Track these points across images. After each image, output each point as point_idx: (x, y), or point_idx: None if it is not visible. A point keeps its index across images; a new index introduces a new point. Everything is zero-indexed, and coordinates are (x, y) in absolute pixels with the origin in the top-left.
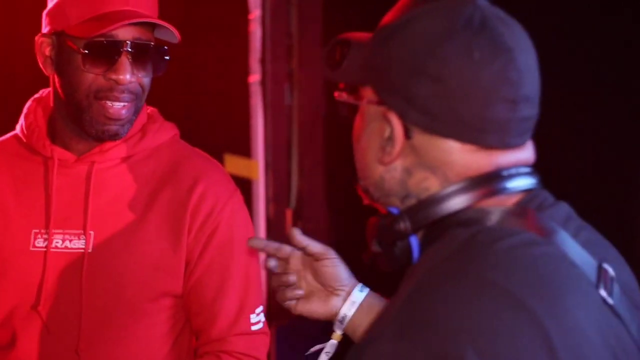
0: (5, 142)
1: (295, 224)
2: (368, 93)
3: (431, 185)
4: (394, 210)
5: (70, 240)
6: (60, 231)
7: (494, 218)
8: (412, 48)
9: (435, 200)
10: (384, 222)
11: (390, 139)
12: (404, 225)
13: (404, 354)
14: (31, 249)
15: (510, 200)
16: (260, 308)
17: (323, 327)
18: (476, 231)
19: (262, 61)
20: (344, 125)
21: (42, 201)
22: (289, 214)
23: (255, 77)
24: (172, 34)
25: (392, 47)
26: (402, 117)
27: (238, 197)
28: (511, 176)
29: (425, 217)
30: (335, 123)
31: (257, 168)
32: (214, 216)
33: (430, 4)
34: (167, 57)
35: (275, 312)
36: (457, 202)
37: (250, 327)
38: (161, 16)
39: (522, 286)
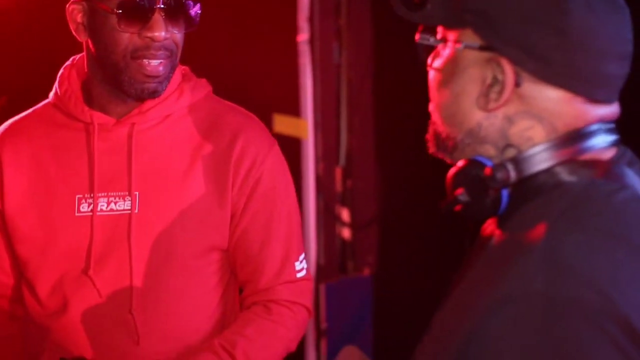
0: (41, 110)
1: (344, 182)
2: (465, 37)
3: (535, 134)
4: (484, 160)
5: (116, 203)
6: (105, 194)
7: (598, 172)
8: None
9: (545, 149)
10: (476, 170)
11: (497, 84)
12: (503, 174)
13: (559, 299)
14: (77, 214)
15: (606, 154)
16: (303, 255)
17: (369, 286)
18: (587, 185)
19: (310, 19)
20: (393, 82)
21: (85, 166)
22: (338, 172)
23: (303, 36)
24: None
25: None
26: (517, 63)
27: (276, 149)
28: (609, 130)
29: (532, 166)
30: (383, 80)
31: (306, 127)
32: (255, 169)
33: None
34: (198, 12)
35: (325, 270)
36: (565, 153)
37: (295, 275)
38: None
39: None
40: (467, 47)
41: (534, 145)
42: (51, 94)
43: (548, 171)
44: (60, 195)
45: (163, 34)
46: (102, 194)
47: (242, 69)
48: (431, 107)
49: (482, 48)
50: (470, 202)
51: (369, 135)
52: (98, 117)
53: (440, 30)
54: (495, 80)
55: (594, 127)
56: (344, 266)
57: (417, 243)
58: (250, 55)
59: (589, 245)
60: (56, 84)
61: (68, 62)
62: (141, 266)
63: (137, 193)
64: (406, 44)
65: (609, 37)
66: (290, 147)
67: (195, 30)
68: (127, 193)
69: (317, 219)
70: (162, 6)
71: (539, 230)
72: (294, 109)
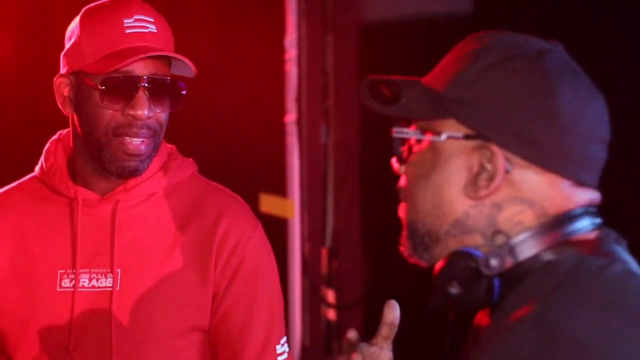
0: (26, 184)
1: (330, 263)
2: (446, 127)
3: (526, 218)
4: (472, 251)
5: (98, 279)
6: (87, 270)
7: (587, 250)
8: (524, 84)
9: (535, 234)
10: (466, 261)
11: (484, 172)
12: (498, 262)
13: None
14: (58, 289)
15: (591, 236)
16: (285, 338)
17: None
18: (577, 261)
19: (298, 100)
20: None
21: (67, 241)
22: (324, 253)
23: (291, 116)
24: (189, 69)
25: (497, 81)
26: (507, 149)
27: (260, 230)
28: (593, 213)
29: (524, 251)
30: (370, 161)
31: (292, 207)
32: (239, 250)
33: (509, 49)
34: (183, 92)
35: (310, 351)
36: (554, 237)
37: (276, 358)
38: (195, 54)
39: None
40: (449, 137)
41: (525, 229)
42: (37, 168)
43: (537, 255)
44: (42, 269)
45: (146, 112)
46: (84, 270)
47: (230, 148)
48: (403, 206)
49: (467, 137)
50: (462, 294)
51: (355, 216)
52: (82, 192)
53: (416, 122)
54: (482, 168)
55: (580, 210)
56: (329, 347)
57: (402, 326)
58: (238, 135)
59: (582, 314)
60: (42, 158)
61: (55, 137)
62: (122, 344)
63: (119, 270)
64: (392, 125)
65: (593, 121)
66: (277, 227)
67: (182, 108)
68: (109, 270)
69: (302, 300)
70: (146, 85)
71: (530, 305)
72: (281, 189)
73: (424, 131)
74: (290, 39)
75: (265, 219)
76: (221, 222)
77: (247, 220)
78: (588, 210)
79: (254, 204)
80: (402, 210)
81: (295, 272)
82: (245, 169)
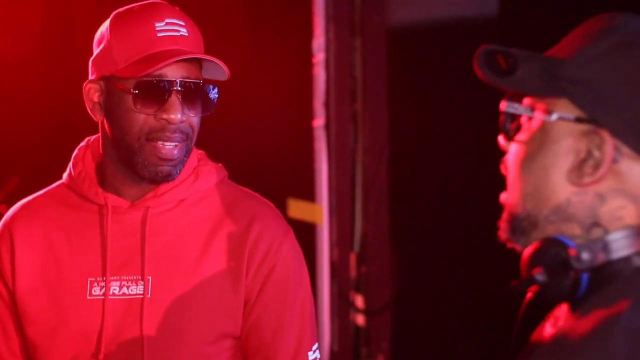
0: (54, 191)
1: (359, 268)
2: (559, 107)
3: (627, 214)
4: (566, 240)
5: (128, 287)
6: (117, 278)
7: None
8: (637, 69)
9: (632, 234)
10: (557, 250)
11: (591, 159)
12: (590, 256)
13: None
14: (88, 297)
15: None
16: (316, 345)
17: None
18: None
19: (326, 104)
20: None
21: (97, 249)
22: (352, 258)
23: (319, 121)
24: (222, 72)
25: (617, 66)
26: (618, 137)
27: (291, 236)
28: None
29: (618, 249)
30: (399, 165)
31: (321, 212)
32: (270, 256)
33: (635, 34)
34: (216, 96)
35: (339, 357)
36: None
37: None
38: (224, 59)
39: None
40: (560, 118)
41: (624, 226)
42: (65, 175)
43: (630, 257)
44: (71, 277)
45: (179, 116)
46: (115, 278)
47: (258, 153)
48: (509, 186)
49: (578, 119)
50: (548, 283)
51: (383, 221)
52: (112, 199)
53: (527, 98)
54: (589, 154)
55: None
56: (357, 353)
57: (431, 331)
58: (266, 139)
59: None
60: (70, 165)
61: (83, 143)
62: (153, 352)
63: (150, 277)
64: (421, 128)
65: None
66: (305, 232)
67: (212, 114)
68: (139, 277)
69: (331, 305)
70: (179, 88)
71: (621, 306)
72: (309, 194)
73: (535, 109)
74: (318, 43)
75: (293, 224)
76: (252, 228)
77: (279, 227)
78: None
79: (282, 209)
80: (505, 192)
81: (324, 277)
82: (273, 173)
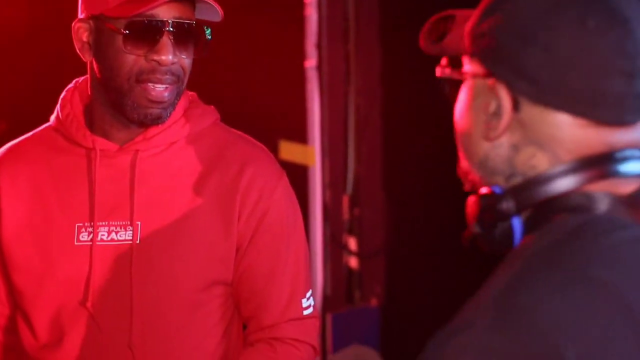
0: (41, 134)
1: (352, 211)
2: (475, 66)
3: (539, 162)
4: (497, 190)
5: (117, 232)
6: (105, 223)
7: (603, 206)
8: (522, 16)
9: (542, 179)
10: (485, 201)
11: (497, 113)
12: (506, 205)
13: (495, 348)
14: (76, 243)
15: (624, 188)
16: (310, 292)
17: (376, 317)
18: (583, 221)
19: (318, 45)
20: (402, 109)
21: (85, 194)
22: (345, 200)
23: (311, 62)
24: (215, 12)
25: (500, 16)
26: (510, 87)
27: (285, 180)
28: (626, 158)
29: (530, 197)
30: (392, 107)
31: (313, 154)
32: (263, 200)
33: None
34: (209, 37)
35: (332, 300)
36: (566, 183)
37: (301, 312)
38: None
39: (623, 281)
40: (475, 76)
41: (537, 174)
42: (52, 117)
43: (549, 202)
44: (59, 223)
45: (170, 57)
46: (103, 223)
47: (249, 94)
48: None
49: (485, 75)
50: (482, 233)
51: (376, 163)
52: (100, 142)
53: (463, 63)
54: (496, 108)
55: (620, 153)
56: (350, 296)
57: (424, 273)
58: (257, 81)
59: (549, 290)
60: (58, 107)
61: (71, 85)
62: (142, 299)
63: (139, 223)
64: (414, 70)
65: (606, 52)
66: (297, 175)
67: (203, 55)
68: (128, 222)
69: (323, 248)
70: (171, 29)
71: (514, 264)
72: (301, 136)
73: (461, 71)
74: None
75: (285, 167)
76: (245, 171)
77: (272, 170)
78: (623, 154)
79: (273, 152)
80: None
81: (317, 220)
82: (265, 115)
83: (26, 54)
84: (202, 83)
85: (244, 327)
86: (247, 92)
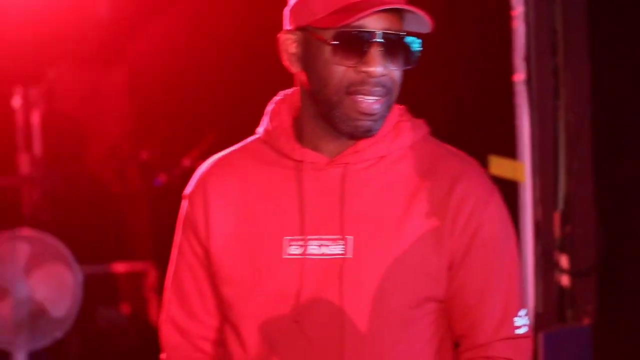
0: (249, 146)
1: (563, 227)
2: None
3: None
4: None
5: (327, 246)
6: (316, 237)
7: None
8: None
9: None
10: None
11: None
12: None
13: None
14: (285, 256)
15: None
16: (524, 311)
17: (589, 337)
18: None
19: (527, 58)
20: (614, 122)
21: (294, 207)
22: (556, 217)
23: (519, 75)
24: (423, 24)
25: None
26: None
27: (497, 196)
28: None
29: None
30: (603, 120)
31: (523, 170)
32: (475, 216)
33: None
34: (418, 48)
35: (543, 318)
36: None
37: (514, 331)
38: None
39: None
40: None
41: None
42: (260, 129)
43: None
44: (267, 235)
45: (380, 69)
46: (313, 237)
47: (457, 108)
48: None
49: None
50: None
51: (588, 179)
52: (310, 155)
53: None
54: None
55: None
56: (562, 315)
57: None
58: (465, 94)
59: None
60: (266, 119)
61: (278, 97)
62: (352, 314)
63: (350, 237)
64: (627, 83)
65: None
66: (507, 191)
67: (411, 68)
68: (339, 236)
69: (535, 265)
70: (380, 40)
71: None
72: (510, 151)
73: None
74: None
75: (495, 182)
76: (456, 187)
77: (484, 186)
78: None
79: (483, 167)
80: None
81: (527, 237)
82: (473, 129)
83: (233, 66)
84: (411, 96)
85: (456, 345)
86: (455, 106)
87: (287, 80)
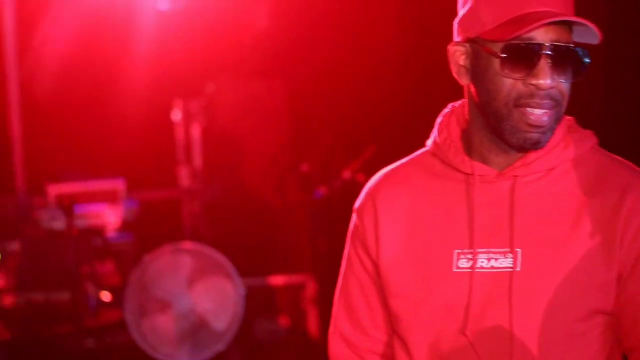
0: (418, 158)
1: None
2: None
3: None
4: None
5: (496, 259)
6: (485, 250)
7: None
8: None
9: None
10: None
11: None
12: None
13: None
14: (454, 269)
15: None
16: None
17: None
18: None
19: None
20: None
21: (464, 220)
22: None
23: None
24: (592, 35)
25: None
26: None
27: None
28: None
29: None
30: None
31: None
32: None
33: None
34: (588, 60)
35: None
36: None
37: None
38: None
39: None
40: None
41: None
42: (429, 142)
43: None
44: (437, 248)
45: (549, 81)
46: (482, 250)
47: (621, 118)
48: None
49: None
50: None
51: None
52: (479, 168)
53: None
54: None
55: None
56: None
57: None
58: (630, 105)
59: None
60: (435, 132)
61: (447, 109)
62: (521, 327)
63: (519, 250)
64: None
65: None
66: None
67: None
68: (508, 249)
69: None
70: (549, 52)
71: None
72: None
73: None
74: None
75: None
76: (626, 198)
77: None
78: None
79: None
80: None
81: None
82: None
83: (394, 78)
84: (575, 107)
85: (624, 359)
86: (620, 116)
87: (449, 93)
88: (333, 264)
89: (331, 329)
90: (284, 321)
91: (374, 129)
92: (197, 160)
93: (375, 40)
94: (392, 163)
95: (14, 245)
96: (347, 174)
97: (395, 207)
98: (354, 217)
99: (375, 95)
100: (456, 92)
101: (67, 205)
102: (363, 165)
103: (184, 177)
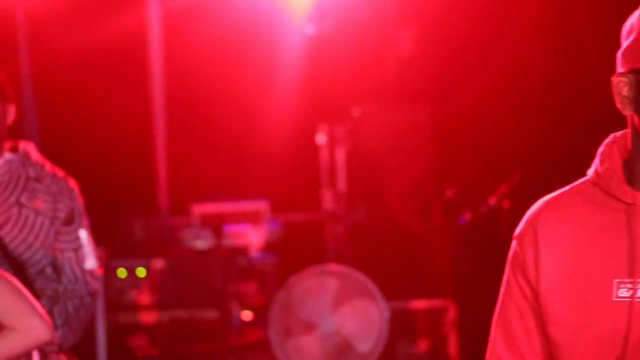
0: (580, 187)
1: None
2: None
3: None
4: None
5: None
6: None
7: None
8: None
9: None
10: None
11: None
12: None
13: None
14: (614, 299)
15: None
16: None
17: None
18: None
19: None
20: None
21: (624, 249)
22: None
23: None
24: None
25: None
26: None
27: None
28: None
29: None
30: None
31: None
32: None
33: None
34: None
35: None
36: None
37: None
38: None
39: None
40: None
41: None
42: (591, 172)
43: None
44: (596, 277)
45: None
46: None
47: None
48: None
49: None
50: None
51: None
52: None
53: None
54: None
55: None
56: None
57: None
58: None
59: None
60: (597, 161)
61: (609, 139)
62: None
63: None
64: None
65: None
66: None
67: None
68: None
69: None
70: None
71: None
72: None
73: None
74: None
75: None
76: None
77: None
78: None
79: None
80: None
81: None
82: None
83: (544, 106)
84: None
85: None
86: None
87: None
88: (475, 290)
89: (488, 354)
90: (424, 345)
91: (519, 156)
92: (341, 183)
93: (521, 66)
94: (537, 190)
95: (159, 264)
96: (493, 200)
97: (556, 235)
98: (514, 244)
99: (521, 122)
100: (596, 122)
101: (215, 225)
102: (509, 192)
103: (328, 200)
